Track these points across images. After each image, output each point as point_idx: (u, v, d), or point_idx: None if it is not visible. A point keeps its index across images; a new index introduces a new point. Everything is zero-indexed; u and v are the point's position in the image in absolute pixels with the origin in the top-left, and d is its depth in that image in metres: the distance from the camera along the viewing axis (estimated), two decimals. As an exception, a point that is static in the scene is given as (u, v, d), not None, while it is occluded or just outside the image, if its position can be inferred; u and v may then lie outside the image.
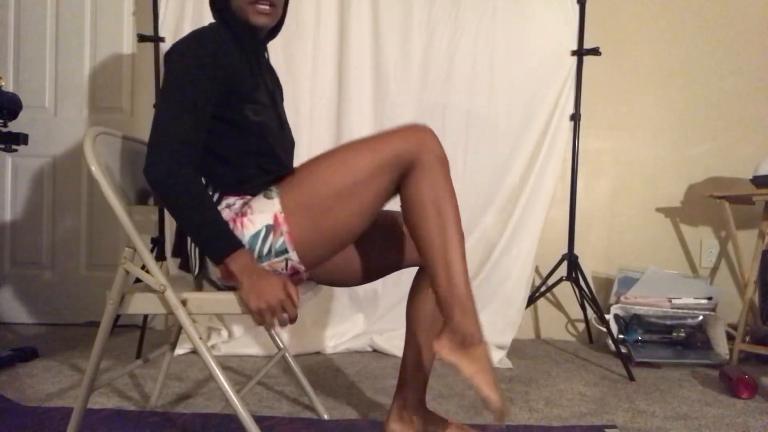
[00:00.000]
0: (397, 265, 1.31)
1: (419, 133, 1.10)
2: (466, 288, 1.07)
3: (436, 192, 1.08)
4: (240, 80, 1.14)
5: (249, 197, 1.15)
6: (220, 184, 1.15)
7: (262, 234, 1.10)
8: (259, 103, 1.18)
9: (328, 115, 2.27)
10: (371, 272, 1.30)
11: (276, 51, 2.28)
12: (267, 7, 1.20)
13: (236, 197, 1.15)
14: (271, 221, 1.10)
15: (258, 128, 1.17)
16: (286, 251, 1.11)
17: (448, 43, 2.25)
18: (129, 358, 2.10)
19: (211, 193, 1.15)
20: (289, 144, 1.30)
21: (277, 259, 1.11)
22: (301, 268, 1.14)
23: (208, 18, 2.25)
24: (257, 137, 1.17)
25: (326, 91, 2.26)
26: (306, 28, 2.26)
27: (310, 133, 2.28)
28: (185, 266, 1.20)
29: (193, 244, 1.16)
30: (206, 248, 1.08)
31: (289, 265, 1.13)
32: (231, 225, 1.11)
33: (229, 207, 1.14)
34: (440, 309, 1.09)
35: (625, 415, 1.56)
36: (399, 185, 1.12)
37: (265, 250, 1.10)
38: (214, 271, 1.13)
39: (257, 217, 1.10)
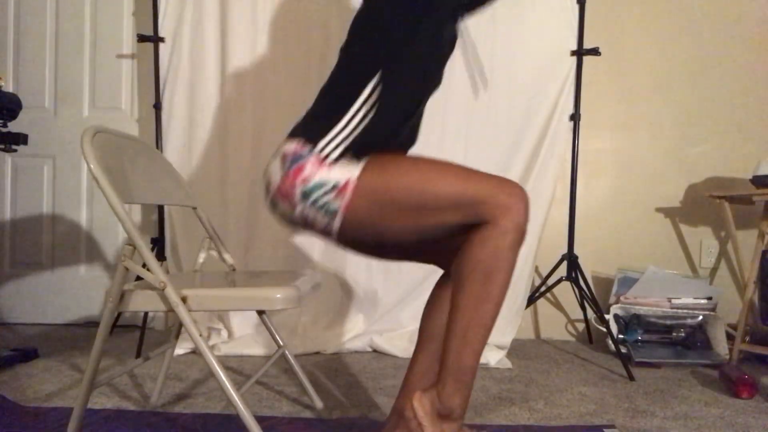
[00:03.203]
0: (425, 259, 1.29)
1: (514, 195, 1.04)
2: (471, 365, 1.05)
3: (496, 260, 1.03)
4: None
5: (348, 145, 1.12)
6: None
7: (327, 187, 1.08)
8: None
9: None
10: (402, 255, 1.28)
11: (274, 56, 2.29)
12: None
13: (350, 131, 1.13)
14: (342, 182, 1.08)
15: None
16: (333, 216, 1.09)
17: (448, 43, 2.25)
18: (129, 359, 2.10)
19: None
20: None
21: (320, 214, 1.10)
22: (334, 235, 1.13)
23: (208, 18, 2.26)
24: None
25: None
26: (304, 29, 2.27)
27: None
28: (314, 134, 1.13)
29: (349, 129, 1.12)
30: None
31: (327, 227, 1.12)
32: (311, 159, 1.09)
33: (340, 132, 1.12)
34: (439, 369, 1.08)
35: (625, 415, 1.56)
36: (467, 229, 1.08)
37: (320, 201, 1.09)
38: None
39: (335, 171, 1.09)
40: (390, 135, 1.15)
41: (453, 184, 1.06)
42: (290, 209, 1.12)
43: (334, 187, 1.09)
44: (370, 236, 1.13)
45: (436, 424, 1.08)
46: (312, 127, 1.14)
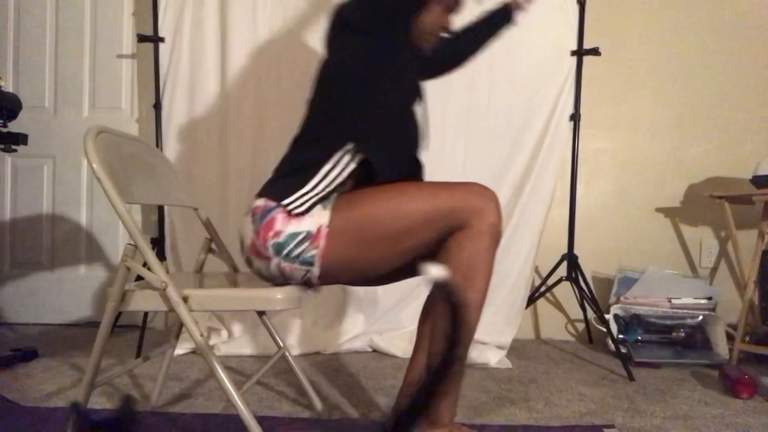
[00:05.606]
0: (414, 274, 1.29)
1: (482, 197, 1.07)
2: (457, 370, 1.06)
3: (474, 262, 1.05)
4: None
5: (316, 201, 1.13)
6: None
7: (301, 237, 1.10)
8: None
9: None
10: (389, 278, 1.29)
11: (274, 55, 2.29)
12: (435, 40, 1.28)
13: (327, 179, 1.14)
14: (314, 230, 1.10)
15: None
16: (311, 264, 1.11)
17: (448, 43, 2.25)
18: (129, 359, 2.10)
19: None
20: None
21: (299, 267, 1.11)
22: (316, 282, 1.15)
23: (207, 18, 2.26)
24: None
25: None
26: (305, 28, 2.27)
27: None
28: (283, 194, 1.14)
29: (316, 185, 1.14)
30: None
31: (306, 277, 1.13)
32: (281, 214, 1.10)
33: (308, 192, 1.12)
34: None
35: (624, 415, 1.56)
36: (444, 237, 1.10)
37: (294, 253, 1.10)
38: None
39: (305, 221, 1.10)
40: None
41: (423, 203, 1.07)
42: (265, 265, 1.14)
43: (307, 236, 1.10)
44: (354, 273, 1.14)
45: (424, 431, 1.09)
46: (281, 187, 1.15)
